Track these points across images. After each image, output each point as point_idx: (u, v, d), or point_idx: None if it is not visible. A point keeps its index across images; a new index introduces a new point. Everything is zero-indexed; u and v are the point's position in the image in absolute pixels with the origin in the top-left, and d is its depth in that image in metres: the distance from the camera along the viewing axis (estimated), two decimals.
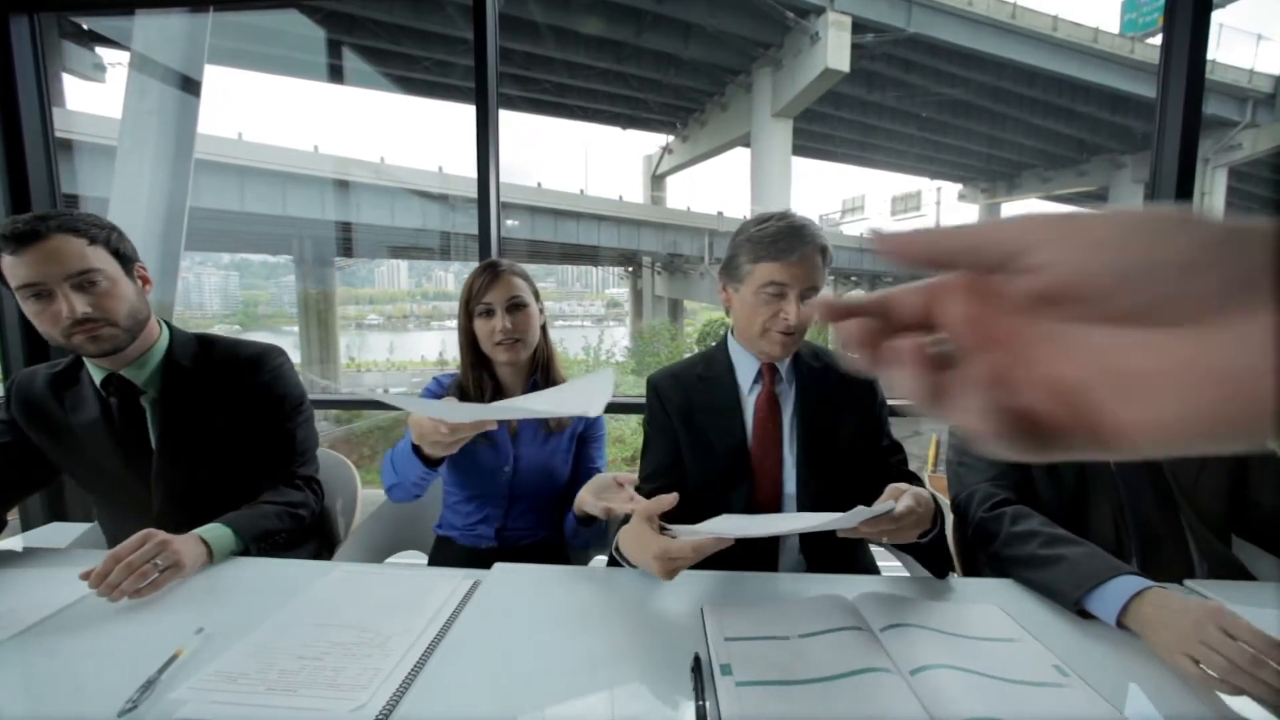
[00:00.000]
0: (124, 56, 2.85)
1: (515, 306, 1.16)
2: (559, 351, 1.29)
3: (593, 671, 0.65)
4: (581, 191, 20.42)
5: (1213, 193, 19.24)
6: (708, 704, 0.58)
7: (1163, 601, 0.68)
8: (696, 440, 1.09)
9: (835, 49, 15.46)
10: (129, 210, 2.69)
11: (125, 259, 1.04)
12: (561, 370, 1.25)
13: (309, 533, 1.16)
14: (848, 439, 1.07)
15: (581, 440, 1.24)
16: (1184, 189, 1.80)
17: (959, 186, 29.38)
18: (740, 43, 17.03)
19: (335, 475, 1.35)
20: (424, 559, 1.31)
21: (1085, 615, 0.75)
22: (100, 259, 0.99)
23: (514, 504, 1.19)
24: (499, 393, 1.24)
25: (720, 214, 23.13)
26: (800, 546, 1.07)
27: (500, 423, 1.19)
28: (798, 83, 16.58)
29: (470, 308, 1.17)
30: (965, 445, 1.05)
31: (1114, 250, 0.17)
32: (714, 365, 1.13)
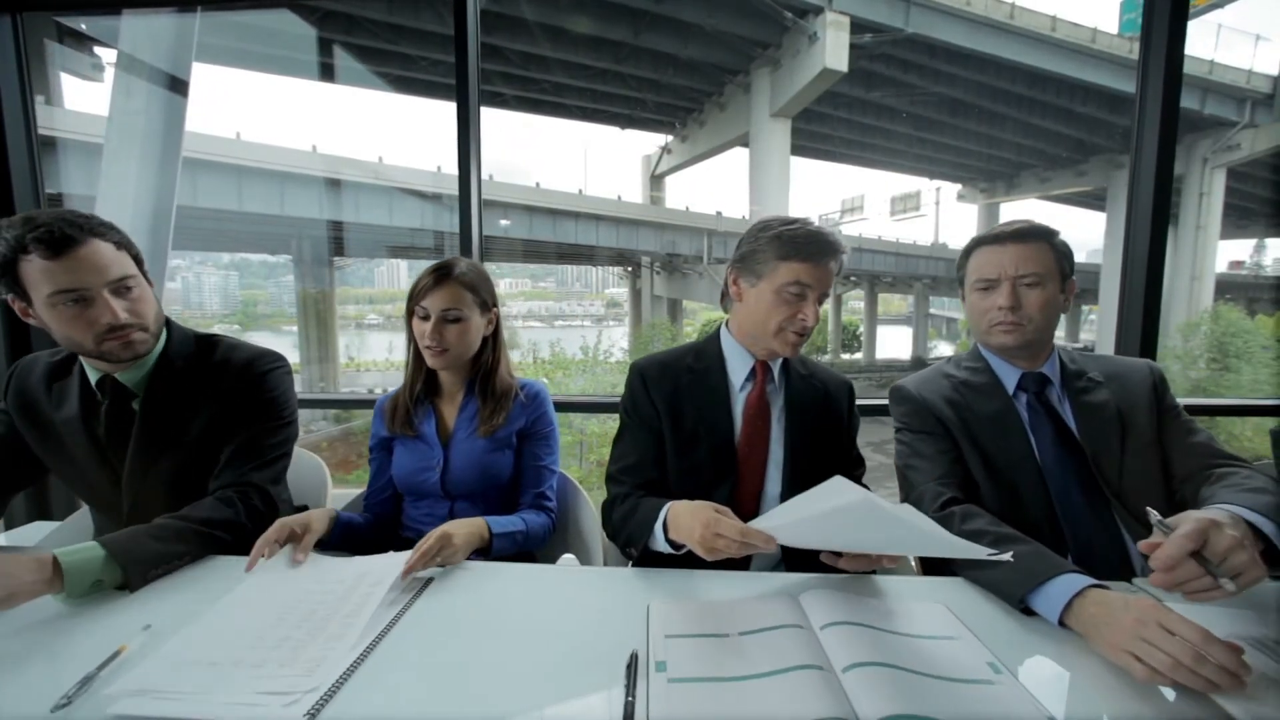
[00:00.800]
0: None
1: (449, 319, 1.15)
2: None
3: (532, 669, 0.65)
4: (580, 191, 20.44)
5: (1211, 193, 19.21)
6: (637, 701, 0.58)
7: (1103, 600, 0.68)
8: (681, 432, 1.08)
9: (833, 49, 15.46)
10: (116, 210, 2.68)
11: (139, 262, 1.06)
12: (507, 379, 1.24)
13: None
14: (828, 447, 1.11)
15: (525, 437, 1.24)
16: (1162, 184, 1.81)
17: (958, 187, 29.38)
18: (738, 43, 17.02)
19: (307, 476, 1.36)
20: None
21: (1031, 613, 0.75)
22: (128, 264, 1.00)
23: (455, 501, 1.19)
24: (437, 393, 1.25)
25: (719, 214, 23.14)
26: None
27: (432, 421, 1.21)
28: (796, 83, 16.58)
29: (410, 308, 1.17)
30: (912, 446, 1.07)
31: None
32: (704, 358, 1.14)
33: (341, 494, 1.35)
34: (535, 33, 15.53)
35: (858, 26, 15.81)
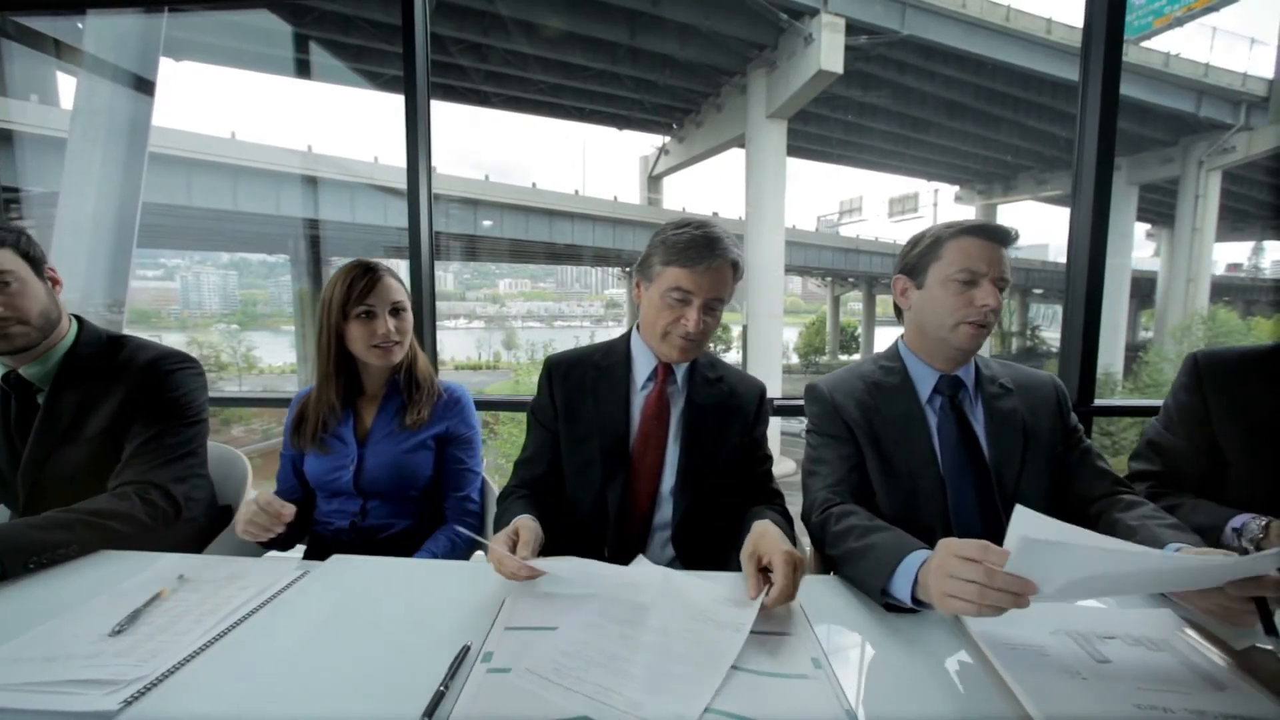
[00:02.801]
0: None
1: (397, 310, 1.19)
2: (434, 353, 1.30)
3: (372, 664, 0.65)
4: (576, 192, 20.49)
5: (1207, 196, 19.22)
6: (449, 690, 0.59)
7: (931, 562, 0.68)
8: (576, 429, 1.10)
9: (829, 51, 15.46)
10: (78, 206, 2.70)
11: (35, 261, 1.09)
12: (427, 370, 1.27)
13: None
14: (728, 449, 1.10)
15: (447, 440, 1.25)
16: (1101, 187, 1.82)
17: (956, 188, 29.39)
18: (735, 44, 17.02)
19: (227, 472, 1.37)
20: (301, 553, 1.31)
21: (894, 608, 0.75)
22: (10, 261, 1.04)
23: (368, 499, 1.19)
24: (360, 395, 1.25)
25: (715, 215, 23.19)
26: (671, 537, 1.08)
27: (350, 422, 1.21)
28: (791, 84, 16.59)
29: (347, 310, 1.15)
30: (817, 451, 1.07)
31: None
32: (612, 355, 1.14)
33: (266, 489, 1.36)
34: (536, 33, 15.55)
35: (853, 28, 15.81)
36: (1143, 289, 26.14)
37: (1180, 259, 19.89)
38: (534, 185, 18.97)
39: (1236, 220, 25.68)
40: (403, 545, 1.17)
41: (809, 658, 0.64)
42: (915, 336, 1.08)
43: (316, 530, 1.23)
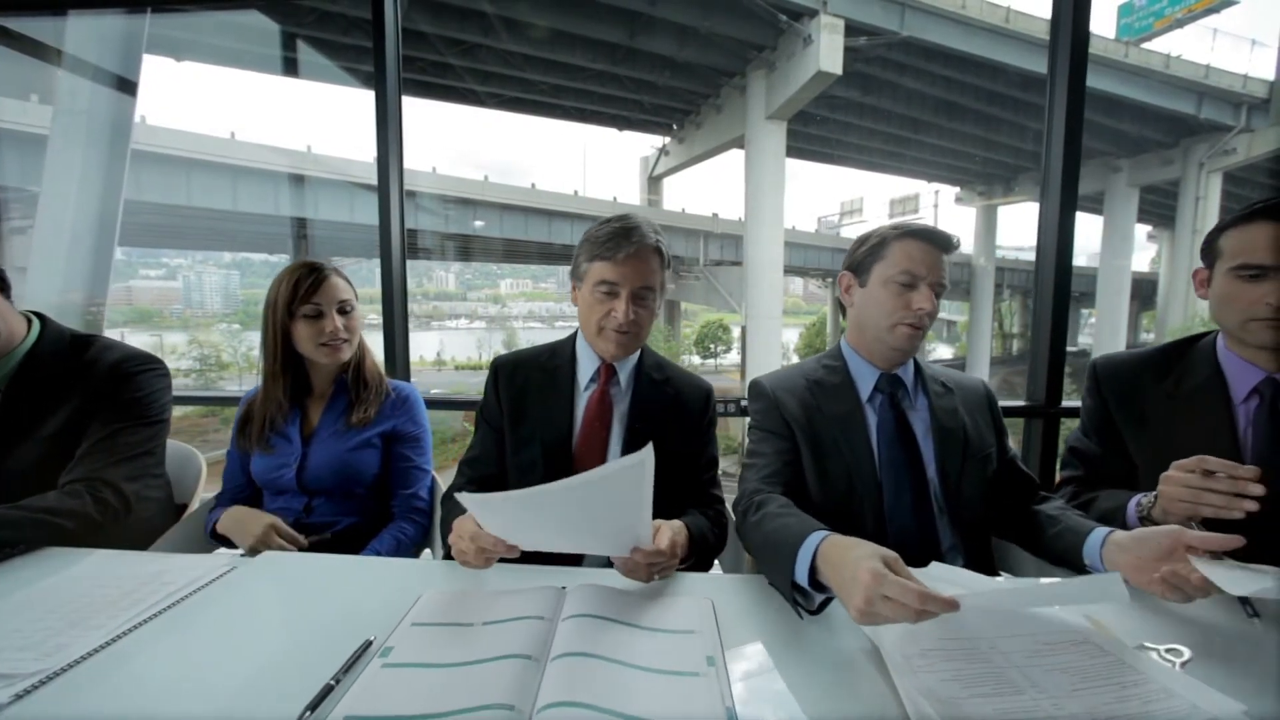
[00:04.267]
0: None
1: (344, 309, 1.20)
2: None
3: (272, 660, 0.65)
4: (575, 193, 20.50)
5: (1208, 197, 19.14)
6: (339, 684, 0.59)
7: (829, 555, 0.68)
8: (520, 429, 1.10)
9: (828, 52, 15.45)
10: (59, 206, 2.72)
11: None
12: (375, 369, 1.28)
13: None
14: (673, 450, 1.08)
15: (394, 438, 1.25)
16: (1069, 184, 1.80)
17: (956, 189, 29.31)
18: (734, 45, 17.02)
19: (184, 469, 1.38)
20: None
21: (803, 603, 0.74)
22: None
23: (312, 496, 1.20)
24: (307, 394, 1.26)
25: (715, 216, 23.18)
26: None
27: (296, 421, 1.22)
28: (790, 85, 16.58)
29: (293, 309, 1.16)
30: (756, 446, 1.07)
31: None
32: (557, 356, 1.15)
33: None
34: (536, 34, 15.58)
35: (853, 29, 15.80)
36: (1144, 290, 26.03)
37: (1181, 261, 19.81)
38: (533, 186, 18.97)
39: None
40: (350, 542, 1.17)
41: (704, 656, 0.64)
42: (856, 334, 1.09)
43: None
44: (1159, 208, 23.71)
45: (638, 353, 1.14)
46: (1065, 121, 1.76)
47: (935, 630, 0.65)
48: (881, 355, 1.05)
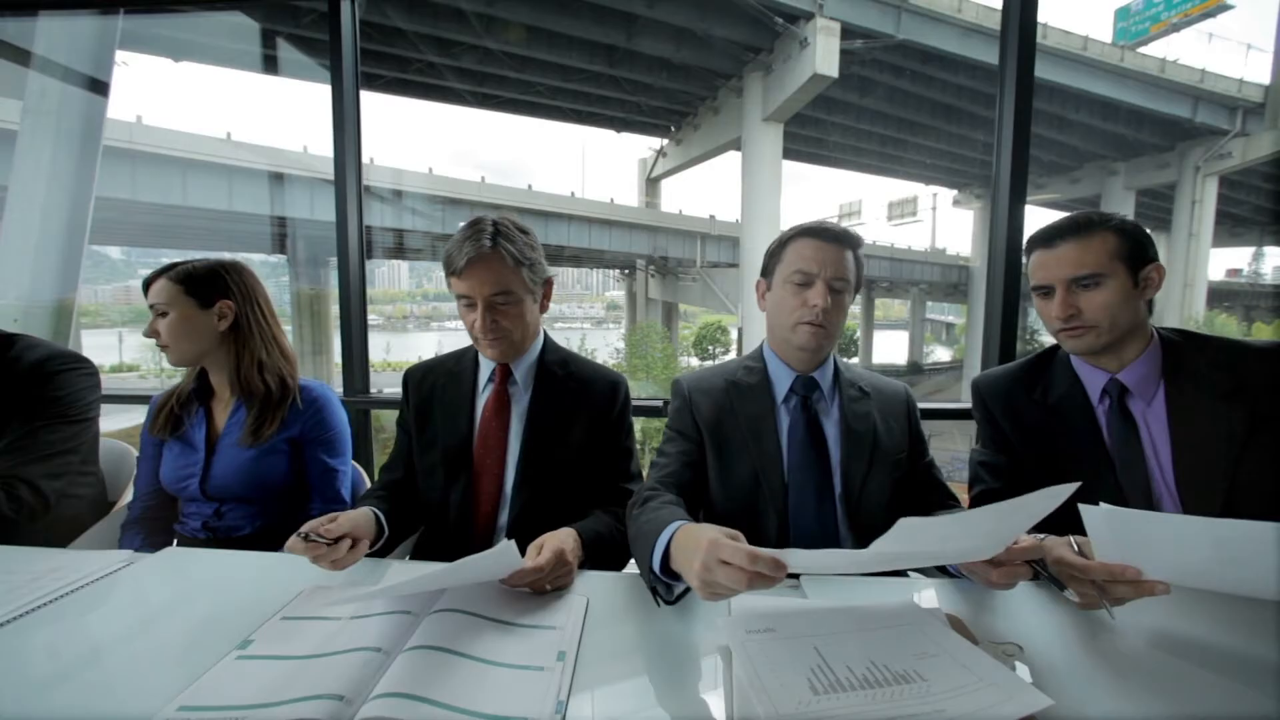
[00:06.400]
0: (124, 55, 2.90)
1: (160, 313, 1.15)
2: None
3: (144, 657, 0.65)
4: (572, 194, 20.51)
5: (1203, 201, 19.15)
6: (206, 676, 0.60)
7: (680, 544, 0.68)
8: (424, 434, 1.12)
9: (824, 54, 15.47)
10: (27, 205, 2.72)
11: None
12: (269, 380, 1.19)
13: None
14: (578, 444, 1.09)
15: (305, 443, 1.20)
16: (1018, 173, 1.80)
17: (954, 192, 29.33)
18: (730, 47, 17.05)
19: (117, 466, 1.38)
20: None
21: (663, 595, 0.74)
22: None
23: (223, 504, 1.17)
24: (210, 394, 1.24)
25: (712, 217, 23.18)
26: (508, 536, 1.08)
27: (202, 424, 1.20)
28: (787, 88, 16.61)
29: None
30: (664, 445, 1.08)
31: None
32: (463, 361, 1.16)
33: None
34: (533, 35, 15.61)
35: (848, 32, 15.82)
36: None
37: (1176, 264, 19.79)
38: (529, 187, 18.98)
39: (1235, 226, 25.56)
40: (266, 545, 1.13)
41: (557, 651, 0.64)
42: (770, 336, 1.10)
43: (177, 529, 1.22)
44: (1156, 211, 23.73)
45: (536, 350, 1.13)
46: (1014, 115, 1.76)
47: (786, 627, 0.65)
48: (792, 356, 1.05)
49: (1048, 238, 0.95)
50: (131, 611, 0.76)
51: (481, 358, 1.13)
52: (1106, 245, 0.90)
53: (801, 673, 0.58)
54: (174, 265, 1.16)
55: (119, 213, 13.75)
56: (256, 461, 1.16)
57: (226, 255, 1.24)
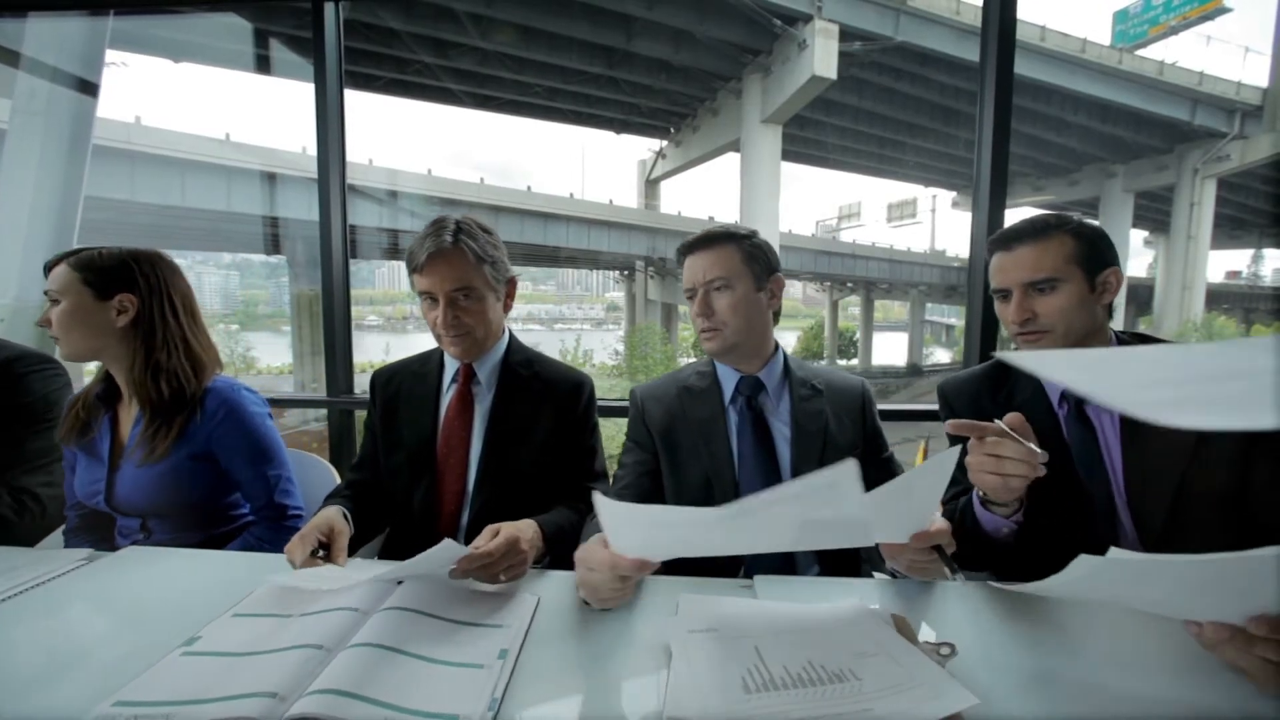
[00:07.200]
0: (123, 55, 2.89)
1: (54, 301, 1.05)
2: None
3: (99, 657, 0.65)
4: (571, 195, 20.53)
5: (1202, 203, 19.16)
6: (148, 672, 0.60)
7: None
8: (390, 435, 1.13)
9: (822, 56, 15.51)
10: (15, 205, 2.73)
11: None
12: (169, 386, 1.07)
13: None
14: (541, 443, 1.09)
15: (215, 455, 1.09)
16: (998, 175, 1.79)
17: (953, 194, 29.35)
18: (730, 49, 17.08)
19: None
20: None
21: None
22: None
23: (146, 519, 1.10)
24: (118, 398, 1.13)
25: (711, 219, 23.23)
26: (467, 535, 1.08)
27: (107, 434, 1.10)
28: (785, 90, 16.64)
29: None
30: (621, 458, 1.09)
31: None
32: (428, 363, 1.17)
33: None
34: (533, 37, 15.64)
35: (847, 34, 15.85)
36: (1140, 296, 26.02)
37: (1175, 266, 19.80)
38: (529, 188, 19.00)
39: (1233, 228, 25.57)
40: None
41: (499, 649, 0.64)
42: None
43: (119, 543, 1.15)
44: (1155, 213, 23.74)
45: (501, 349, 1.13)
46: (994, 114, 1.74)
47: (730, 627, 0.65)
48: (723, 360, 1.09)
49: (1006, 240, 0.95)
50: (85, 609, 0.76)
51: (447, 358, 1.13)
52: (1063, 248, 0.90)
53: (737, 672, 0.58)
54: (79, 250, 1.06)
55: (117, 213, 13.75)
56: (164, 478, 1.05)
57: (152, 248, 1.12)
